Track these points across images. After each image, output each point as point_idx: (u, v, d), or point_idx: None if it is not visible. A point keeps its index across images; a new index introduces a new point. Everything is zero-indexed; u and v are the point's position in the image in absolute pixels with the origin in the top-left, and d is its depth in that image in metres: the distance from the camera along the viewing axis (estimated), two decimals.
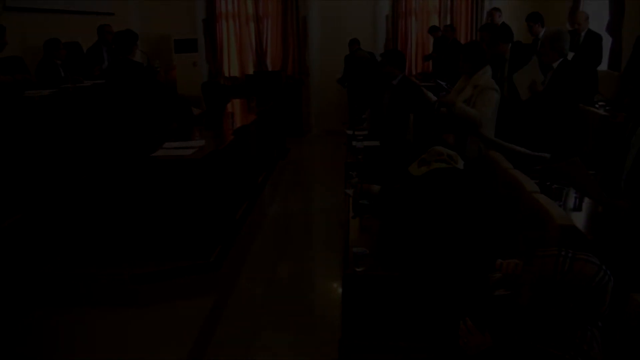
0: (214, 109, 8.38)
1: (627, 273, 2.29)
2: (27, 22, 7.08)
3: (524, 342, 1.96)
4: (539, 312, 1.86)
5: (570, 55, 5.75)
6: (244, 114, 8.13)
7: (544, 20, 7.31)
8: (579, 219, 3.36)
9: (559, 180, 3.76)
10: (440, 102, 5.13)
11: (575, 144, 4.98)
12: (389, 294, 3.12)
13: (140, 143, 5.56)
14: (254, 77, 11.20)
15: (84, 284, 4.55)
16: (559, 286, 1.80)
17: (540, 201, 3.24)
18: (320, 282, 5.09)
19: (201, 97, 9.84)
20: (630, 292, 2.18)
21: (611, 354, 2.05)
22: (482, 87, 4.81)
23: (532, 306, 1.87)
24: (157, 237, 4.88)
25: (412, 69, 11.27)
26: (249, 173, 7.02)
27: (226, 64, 11.39)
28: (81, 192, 5.23)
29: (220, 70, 11.27)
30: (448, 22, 10.80)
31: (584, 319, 1.82)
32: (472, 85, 4.88)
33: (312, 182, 8.72)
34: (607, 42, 7.65)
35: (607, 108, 6.31)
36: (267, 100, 9.15)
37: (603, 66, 7.68)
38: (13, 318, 4.14)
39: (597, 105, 6.46)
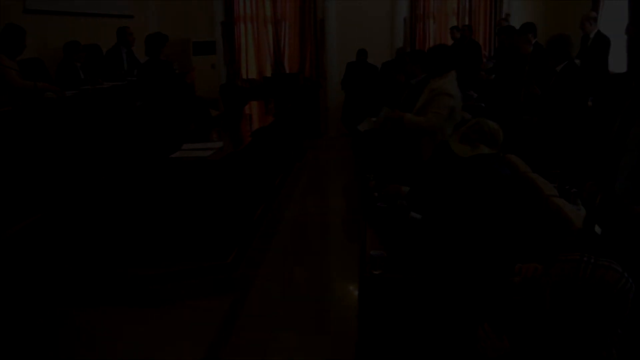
0: (232, 110, 8.43)
1: None
2: (47, 24, 7.15)
3: (542, 347, 1.95)
4: (558, 317, 1.85)
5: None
6: (262, 116, 8.16)
7: (564, 22, 7.27)
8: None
9: (577, 184, 3.73)
10: (386, 118, 5.07)
11: (585, 144, 4.95)
12: (406, 296, 3.12)
13: (159, 144, 5.59)
14: (271, 79, 11.24)
15: (100, 284, 4.57)
16: (580, 292, 1.78)
17: (559, 205, 3.22)
18: (337, 285, 5.09)
19: (219, 99, 9.90)
20: None
21: None
22: (436, 92, 4.74)
23: (552, 311, 1.86)
24: (174, 238, 4.90)
25: None
26: (267, 175, 7.03)
27: (244, 66, 11.43)
28: (100, 192, 5.27)
29: (238, 73, 11.31)
30: (466, 24, 10.76)
31: (603, 326, 1.81)
32: (429, 90, 4.82)
33: (328, 184, 8.72)
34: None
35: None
36: (284, 102, 9.17)
37: (622, 68, 7.61)
38: (30, 317, 4.16)
39: None
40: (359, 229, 5.21)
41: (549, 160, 4.80)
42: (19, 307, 4.06)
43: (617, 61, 7.74)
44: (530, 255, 2.89)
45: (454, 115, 4.77)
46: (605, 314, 1.78)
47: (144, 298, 4.53)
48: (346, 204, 7.16)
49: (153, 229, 4.90)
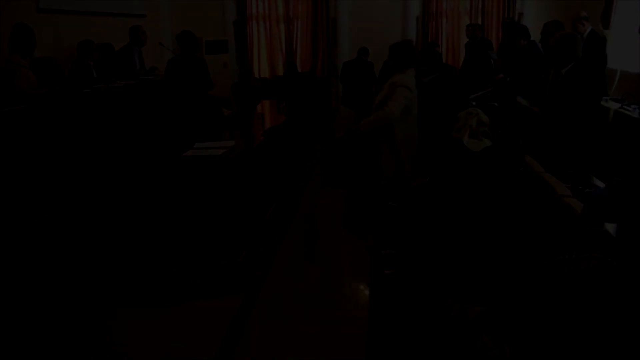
0: (244, 109, 8.43)
1: None
2: (60, 23, 7.19)
3: (542, 350, 1.94)
4: (556, 319, 1.84)
5: None
6: (274, 115, 8.17)
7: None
8: (610, 224, 3.31)
9: (590, 185, 3.72)
10: (348, 132, 5.06)
11: (595, 148, 4.91)
12: (417, 295, 3.11)
13: (172, 143, 5.61)
14: (283, 78, 11.24)
15: (109, 284, 4.58)
16: (570, 288, 1.78)
17: (572, 205, 3.20)
18: (348, 284, 5.08)
19: (231, 98, 9.91)
20: None
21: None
22: (396, 85, 4.77)
23: (549, 315, 1.85)
24: (186, 237, 4.91)
25: None
26: (278, 173, 7.03)
27: (256, 65, 11.44)
28: (111, 191, 5.28)
29: (251, 72, 11.33)
30: (479, 23, 10.71)
31: (601, 320, 1.80)
32: (389, 83, 4.85)
33: None
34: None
35: None
36: (296, 101, 9.17)
37: (635, 68, 7.57)
38: (34, 317, 4.17)
39: (630, 108, 6.35)
40: (370, 228, 5.21)
41: (562, 160, 4.77)
42: (23, 306, 4.08)
43: (631, 61, 7.70)
44: (541, 254, 2.87)
45: (409, 111, 4.81)
46: (600, 303, 1.77)
47: (154, 297, 4.54)
48: (357, 203, 7.14)
49: (164, 228, 4.91)
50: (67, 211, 4.76)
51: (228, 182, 5.02)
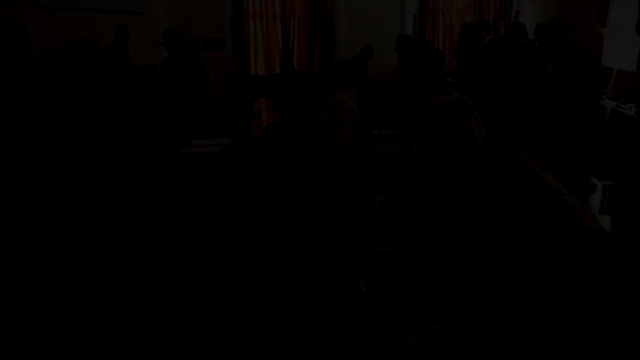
0: (240, 107, 8.42)
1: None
2: (57, 20, 7.17)
3: (524, 354, 1.93)
4: (545, 320, 1.83)
5: None
6: (270, 113, 8.16)
7: (574, 20, 7.21)
8: (606, 222, 3.32)
9: (587, 183, 3.72)
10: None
11: (591, 146, 4.91)
12: (414, 294, 3.11)
13: (168, 141, 5.60)
14: (280, 76, 11.24)
15: (104, 284, 4.56)
16: (555, 288, 1.78)
17: (569, 203, 3.20)
18: (345, 282, 5.08)
19: (228, 95, 9.90)
20: None
21: None
22: (340, 109, 4.74)
23: (537, 316, 1.85)
24: (182, 234, 4.90)
25: None
26: (275, 171, 7.03)
27: (253, 63, 11.43)
28: (107, 190, 5.27)
29: (247, 69, 11.32)
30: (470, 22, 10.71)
31: (593, 315, 1.80)
32: (332, 104, 4.82)
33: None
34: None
35: (637, 109, 6.20)
36: (293, 99, 9.17)
37: (631, 66, 7.59)
38: (30, 317, 4.16)
39: (627, 106, 6.36)
40: (367, 225, 5.20)
41: (558, 158, 4.77)
42: (22, 305, 4.07)
43: (628, 59, 7.71)
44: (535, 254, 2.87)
45: (355, 130, 4.83)
46: (591, 298, 1.77)
47: (150, 295, 4.53)
48: (355, 200, 7.13)
49: (160, 225, 4.91)
50: (64, 210, 4.75)
51: (225, 180, 5.02)
